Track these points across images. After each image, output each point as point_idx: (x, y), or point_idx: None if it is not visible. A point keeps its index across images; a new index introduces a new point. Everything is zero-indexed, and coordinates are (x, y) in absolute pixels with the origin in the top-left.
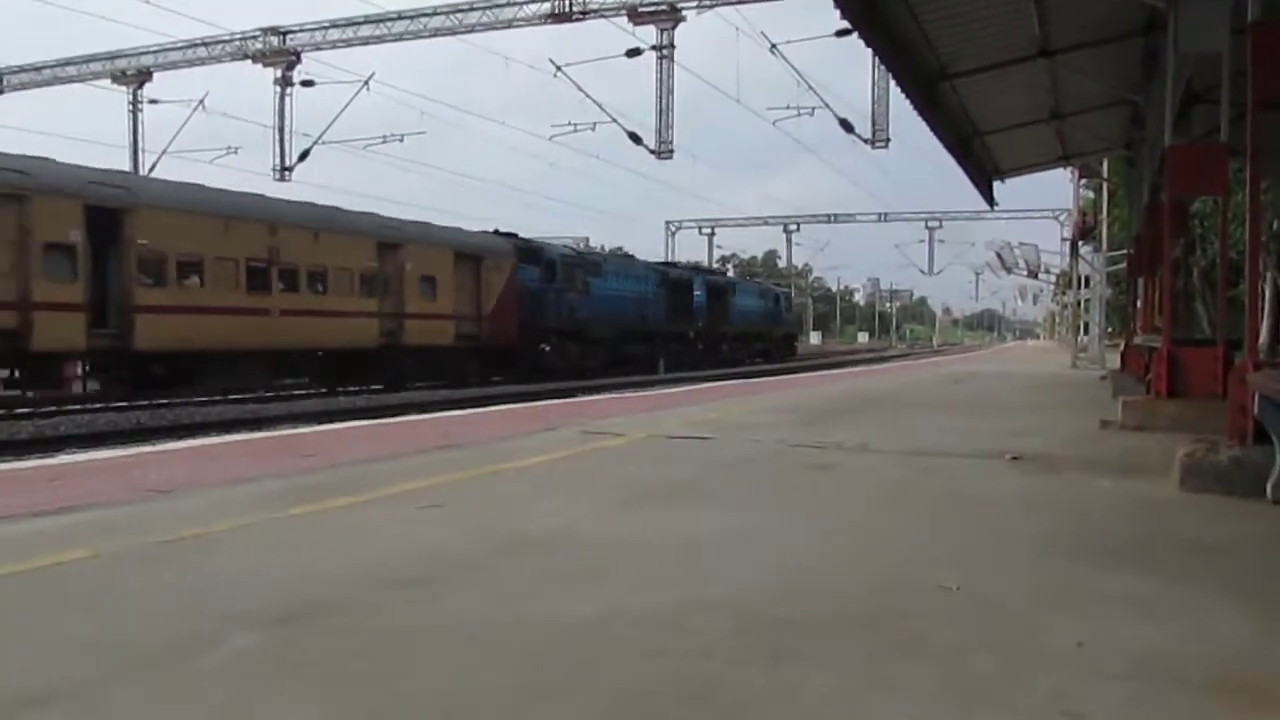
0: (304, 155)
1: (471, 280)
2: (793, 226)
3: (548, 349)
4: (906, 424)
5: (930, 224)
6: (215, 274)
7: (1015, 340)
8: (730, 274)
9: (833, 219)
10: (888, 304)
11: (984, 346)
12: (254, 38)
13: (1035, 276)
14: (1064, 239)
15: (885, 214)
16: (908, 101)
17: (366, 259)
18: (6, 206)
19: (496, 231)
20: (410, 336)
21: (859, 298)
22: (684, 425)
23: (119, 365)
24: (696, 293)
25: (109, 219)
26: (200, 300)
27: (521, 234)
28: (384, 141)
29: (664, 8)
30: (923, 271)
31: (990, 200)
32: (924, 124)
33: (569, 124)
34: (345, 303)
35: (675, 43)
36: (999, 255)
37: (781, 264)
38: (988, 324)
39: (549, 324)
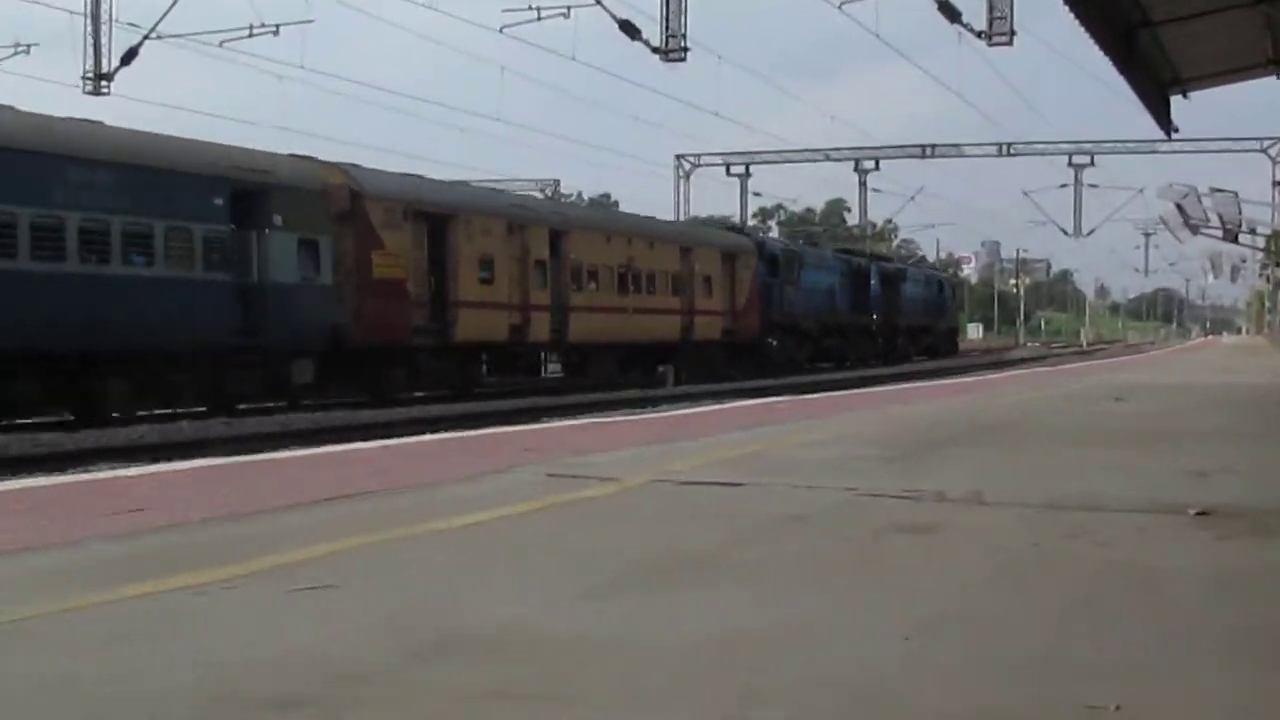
0: (129, 56)
1: (729, 278)
2: (868, 164)
3: (774, 343)
4: (1039, 462)
5: (1076, 160)
6: (604, 280)
7: (1203, 336)
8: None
9: (928, 152)
10: (1012, 281)
11: (1157, 344)
12: None
13: (1235, 239)
14: (1278, 183)
15: (1008, 145)
16: None
17: (674, 262)
18: (515, 234)
19: (733, 228)
20: (697, 331)
21: (969, 271)
22: (718, 463)
23: (559, 353)
24: (872, 281)
25: (556, 239)
26: (599, 302)
27: (463, 173)
28: (250, 35)
29: None
30: (1065, 232)
31: (1166, 126)
32: (1064, 8)
33: (530, 8)
34: (665, 301)
35: None
36: (1179, 208)
37: (852, 220)
38: (1162, 310)
39: (774, 318)
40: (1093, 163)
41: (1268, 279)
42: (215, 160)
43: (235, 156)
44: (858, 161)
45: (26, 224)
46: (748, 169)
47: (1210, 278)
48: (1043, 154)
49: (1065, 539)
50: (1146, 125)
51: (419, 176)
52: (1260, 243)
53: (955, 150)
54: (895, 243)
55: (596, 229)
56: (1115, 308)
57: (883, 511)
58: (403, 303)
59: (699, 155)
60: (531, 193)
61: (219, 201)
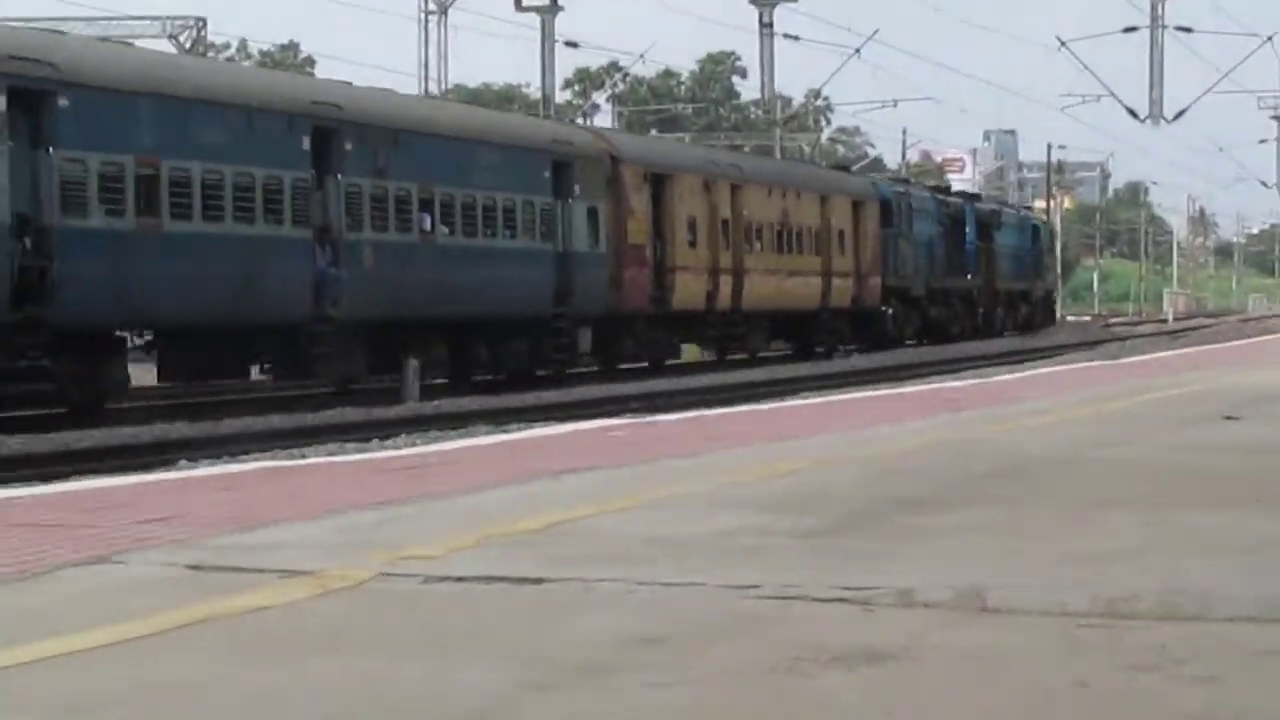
0: None
1: (856, 232)
2: None
3: (890, 311)
4: (1090, 532)
5: None
6: (767, 240)
7: None
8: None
9: None
10: (1038, 204)
11: None
12: None
13: None
14: None
15: None
16: None
17: (815, 216)
18: (709, 191)
19: (840, 166)
20: (833, 297)
21: (960, 183)
22: (501, 540)
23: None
24: (968, 231)
25: (734, 195)
26: (766, 264)
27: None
28: None
29: None
30: (1134, 115)
31: None
32: None
33: None
34: (810, 263)
35: None
36: None
37: (748, 89)
38: None
39: (889, 281)
40: None
41: None
42: (543, 135)
43: (553, 130)
44: None
45: (459, 205)
46: None
47: None
48: None
49: (1135, 672)
50: None
51: (645, 135)
52: None
53: None
54: (824, 134)
55: (763, 181)
56: (1225, 251)
57: (807, 628)
58: (644, 269)
59: None
60: (158, 38)
61: (547, 175)
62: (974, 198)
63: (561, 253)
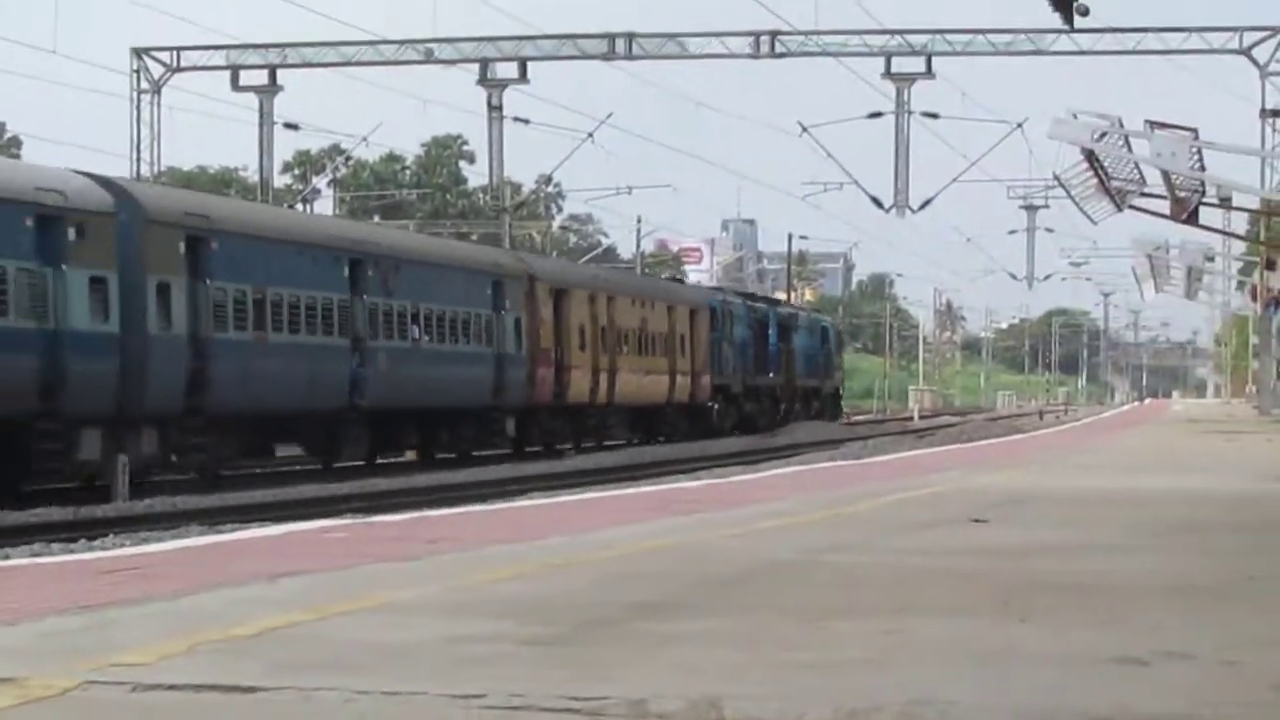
0: None
1: (691, 336)
2: (502, 69)
3: (715, 406)
4: (828, 642)
5: (900, 67)
6: (632, 342)
7: (1136, 399)
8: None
9: (619, 48)
10: (779, 296)
11: (1048, 413)
12: None
13: (1193, 215)
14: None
15: (772, 37)
16: None
17: (664, 323)
18: (595, 302)
19: (673, 278)
20: (677, 394)
21: (698, 275)
22: (212, 646)
23: (605, 415)
24: (770, 333)
25: (608, 304)
26: (633, 364)
27: None
28: None
29: None
30: (878, 204)
31: (1067, 11)
32: None
33: None
34: (659, 364)
35: None
36: (1091, 161)
37: (477, 175)
38: (1062, 352)
39: (715, 379)
40: (929, 69)
41: (1254, 293)
42: (487, 259)
43: (493, 255)
44: (485, 66)
45: (435, 318)
46: (273, 76)
47: (1148, 291)
48: (841, 53)
49: None
50: (1030, 8)
51: (545, 255)
52: (1237, 225)
53: (669, 44)
54: (556, 222)
55: (629, 293)
56: (973, 346)
57: None
58: (550, 368)
59: (178, 50)
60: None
61: (488, 292)
62: (775, 302)
63: (498, 355)
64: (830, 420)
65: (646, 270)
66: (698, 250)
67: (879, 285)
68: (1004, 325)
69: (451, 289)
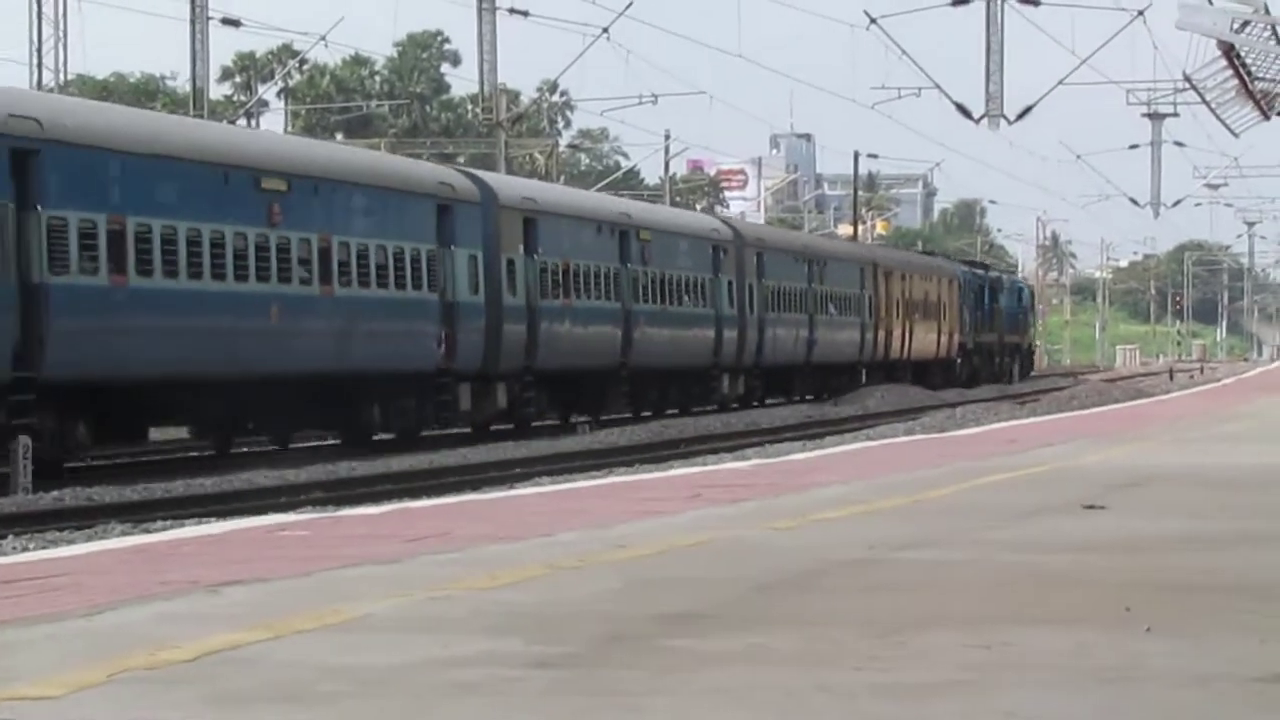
0: None
1: (945, 299)
2: None
3: (959, 360)
4: (903, 658)
5: None
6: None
7: None
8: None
9: None
10: (841, 229)
11: (1179, 370)
12: None
13: None
14: None
15: None
16: None
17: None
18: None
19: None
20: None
21: (743, 207)
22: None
23: None
24: (985, 294)
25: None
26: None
27: None
28: None
29: None
30: (967, 114)
31: None
32: None
33: None
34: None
35: None
36: (1227, 51)
37: (461, 91)
38: (1196, 297)
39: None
40: None
41: None
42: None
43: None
44: None
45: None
46: None
47: None
48: None
49: None
50: None
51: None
52: None
53: None
54: (563, 140)
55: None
56: (1085, 289)
57: None
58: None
59: None
60: None
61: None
62: (985, 266)
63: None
64: (1023, 376)
65: (677, 200)
66: (741, 173)
67: (968, 215)
68: (1123, 263)
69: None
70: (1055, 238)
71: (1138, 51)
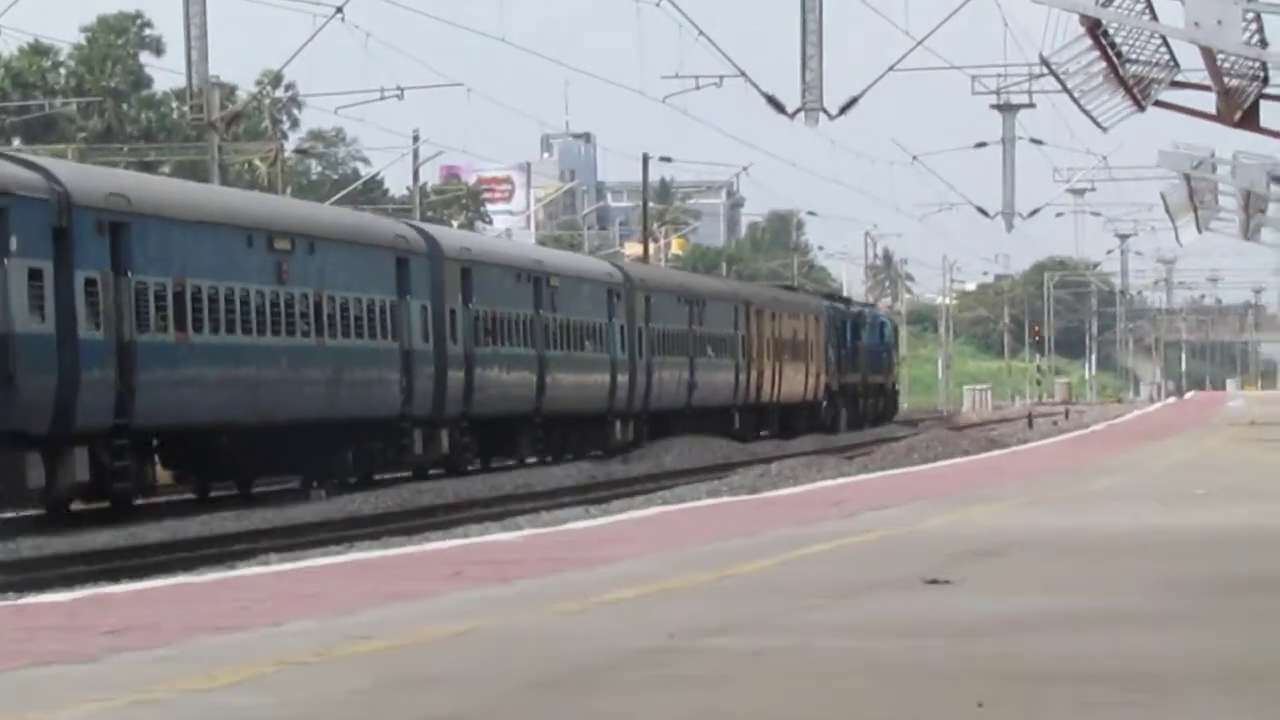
0: None
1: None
2: None
3: (824, 403)
4: None
5: None
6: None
7: (1169, 392)
8: None
9: None
10: (646, 240)
11: (1056, 417)
12: None
13: (1249, 119)
14: None
15: None
16: None
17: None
18: None
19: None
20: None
21: (528, 201)
22: None
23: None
24: (848, 331)
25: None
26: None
27: None
28: None
29: None
30: (778, 107)
31: None
32: None
33: None
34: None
35: None
36: (1095, 31)
37: (165, 86)
38: (1061, 325)
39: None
40: None
41: None
42: (729, 291)
43: (739, 289)
44: None
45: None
46: None
47: (1186, 231)
48: None
49: None
50: None
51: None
52: None
53: None
54: (290, 143)
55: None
56: (925, 318)
57: None
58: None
59: None
60: None
61: (731, 317)
62: (846, 300)
63: (735, 364)
64: (887, 420)
65: (430, 214)
66: (507, 181)
67: (781, 229)
68: (971, 286)
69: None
70: (888, 256)
71: (985, 32)
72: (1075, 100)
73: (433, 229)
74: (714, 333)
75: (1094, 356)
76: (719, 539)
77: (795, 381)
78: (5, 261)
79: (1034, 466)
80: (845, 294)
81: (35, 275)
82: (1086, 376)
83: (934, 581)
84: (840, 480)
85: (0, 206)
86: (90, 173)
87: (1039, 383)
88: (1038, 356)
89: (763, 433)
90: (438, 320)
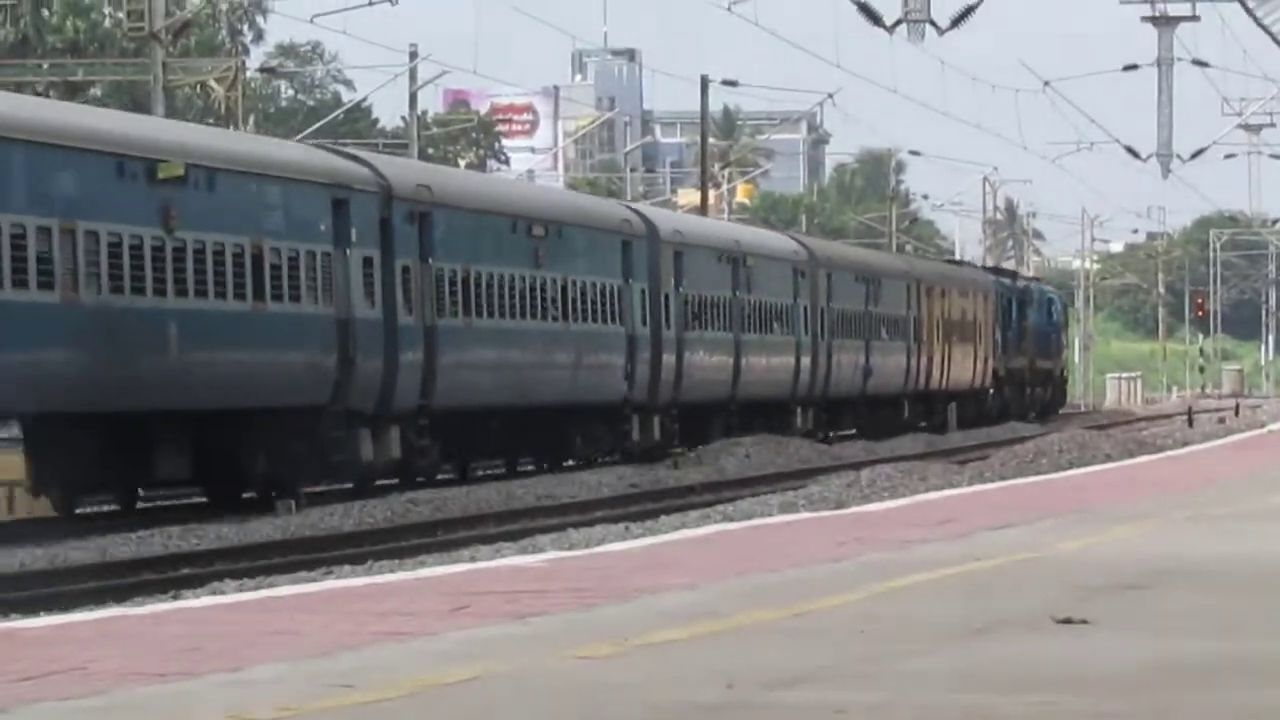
0: None
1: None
2: None
3: (991, 391)
4: None
5: None
6: None
7: None
8: None
9: None
10: (704, 186)
11: (1224, 413)
12: None
13: None
14: None
15: None
16: None
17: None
18: None
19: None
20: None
21: (554, 133)
22: None
23: None
24: (1013, 311)
25: None
26: None
27: None
28: None
29: None
30: (877, 17)
31: None
32: None
33: None
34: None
35: None
36: None
37: None
38: (1232, 308)
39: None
40: None
41: None
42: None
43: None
44: None
45: None
46: None
47: None
48: None
49: None
50: None
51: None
52: None
53: None
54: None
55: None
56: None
57: None
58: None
59: None
60: None
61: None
62: (1011, 274)
63: (908, 346)
64: (1053, 412)
65: (431, 150)
66: (528, 110)
67: (876, 173)
68: (1116, 247)
69: (889, 297)
70: (1012, 208)
71: None
72: (1249, 10)
73: (650, 211)
74: (889, 313)
75: (1272, 337)
76: (792, 566)
77: (964, 367)
78: (347, 252)
79: (1195, 476)
80: (959, 255)
81: (368, 264)
82: (1262, 363)
83: (1067, 621)
84: (948, 492)
85: (342, 199)
86: (402, 165)
87: (1202, 370)
88: (1201, 337)
89: (921, 424)
90: (654, 304)
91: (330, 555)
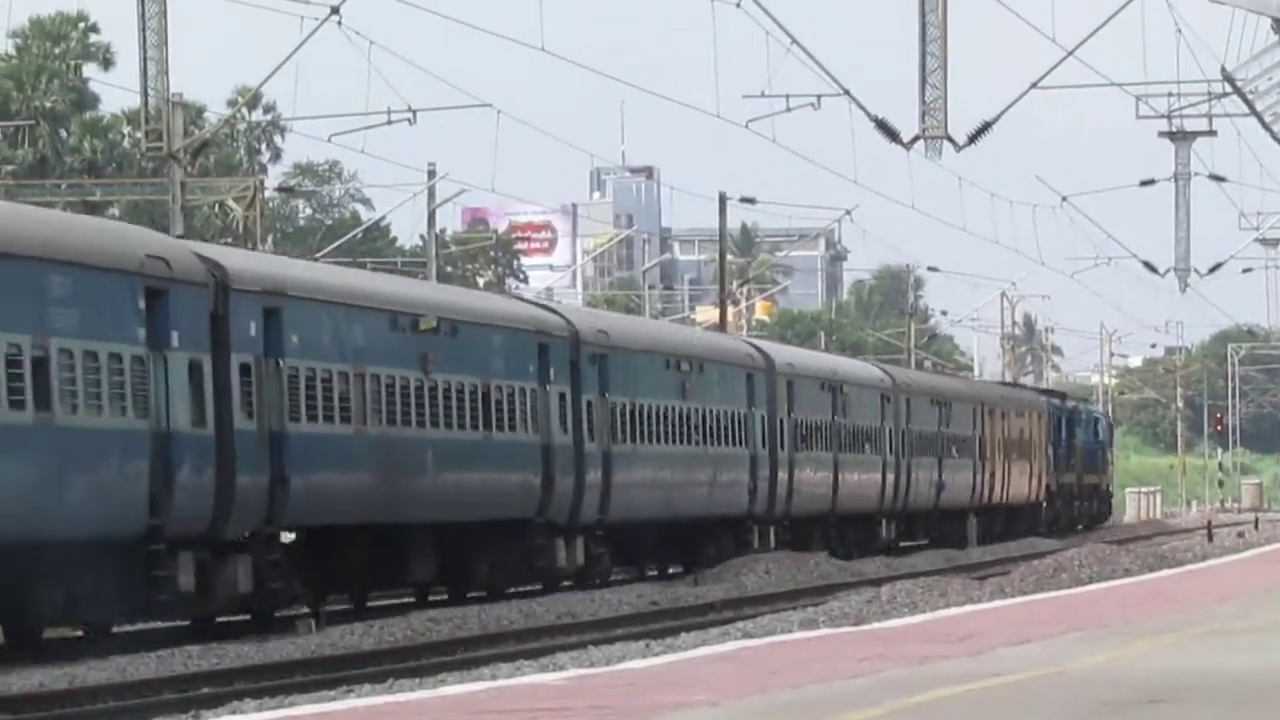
0: None
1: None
2: None
3: (1044, 504)
4: None
5: None
6: None
7: None
8: None
9: None
10: (723, 304)
11: (1244, 526)
12: None
13: None
14: None
15: None
16: None
17: None
18: None
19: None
20: None
21: (573, 252)
22: None
23: None
24: (1063, 429)
25: None
26: None
27: None
28: None
29: None
30: (893, 134)
31: None
32: None
33: None
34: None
35: None
36: None
37: (114, 106)
38: (1251, 422)
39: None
40: None
41: None
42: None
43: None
44: None
45: None
46: None
47: None
48: None
49: None
50: None
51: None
52: None
53: None
54: (271, 178)
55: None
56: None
57: None
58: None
59: None
60: None
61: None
62: (1060, 395)
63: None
64: (1100, 523)
65: (449, 269)
66: (546, 229)
67: (895, 290)
68: (1135, 362)
69: (958, 418)
70: (1030, 324)
71: (1152, 42)
72: (1265, 125)
73: (767, 346)
74: (958, 434)
75: None
76: (814, 682)
77: (1020, 482)
78: (548, 388)
79: (1216, 590)
80: (977, 371)
81: (563, 398)
82: None
83: None
84: (969, 608)
85: (545, 344)
86: (585, 314)
87: (1221, 484)
88: (1220, 451)
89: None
90: (772, 427)
91: (351, 674)
